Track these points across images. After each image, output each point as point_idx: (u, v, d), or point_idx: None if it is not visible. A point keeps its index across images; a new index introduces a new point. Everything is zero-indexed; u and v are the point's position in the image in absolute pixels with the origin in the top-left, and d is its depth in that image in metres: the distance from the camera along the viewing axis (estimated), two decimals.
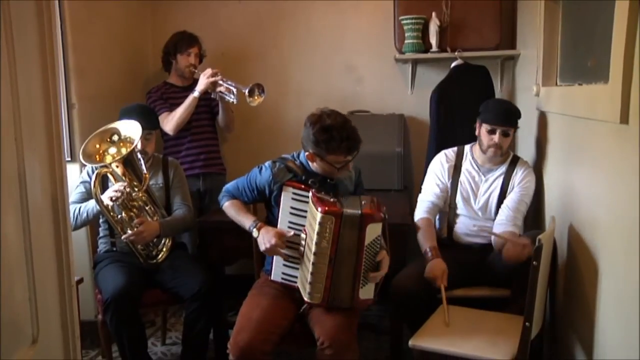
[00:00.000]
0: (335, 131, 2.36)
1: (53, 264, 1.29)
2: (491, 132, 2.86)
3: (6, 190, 1.09)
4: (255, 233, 2.47)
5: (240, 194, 2.64)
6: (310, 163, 2.50)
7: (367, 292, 2.41)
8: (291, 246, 2.44)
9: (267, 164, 2.59)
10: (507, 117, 2.86)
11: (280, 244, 2.40)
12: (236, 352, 2.25)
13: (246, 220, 2.54)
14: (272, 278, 2.49)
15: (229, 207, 2.64)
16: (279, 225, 2.46)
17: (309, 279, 2.33)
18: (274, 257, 2.48)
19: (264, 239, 2.42)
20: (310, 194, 2.38)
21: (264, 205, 2.69)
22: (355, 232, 2.29)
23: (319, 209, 2.27)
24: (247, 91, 3.30)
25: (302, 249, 2.40)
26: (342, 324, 2.33)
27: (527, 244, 2.47)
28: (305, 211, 2.41)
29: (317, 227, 2.27)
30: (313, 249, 2.29)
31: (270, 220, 2.63)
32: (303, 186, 2.44)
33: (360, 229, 2.28)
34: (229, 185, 2.70)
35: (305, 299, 2.37)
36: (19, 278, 1.13)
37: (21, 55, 1.14)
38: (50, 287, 1.27)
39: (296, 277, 2.46)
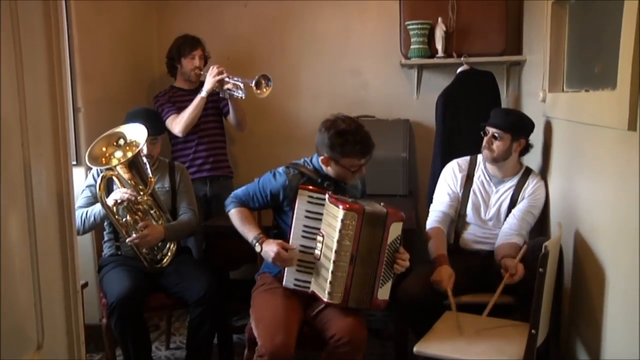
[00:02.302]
0: (350, 135, 2.44)
1: (58, 268, 1.28)
2: (485, 133, 2.87)
3: (12, 195, 1.08)
4: (257, 248, 2.49)
5: (250, 199, 2.63)
6: (324, 167, 2.55)
7: (384, 292, 2.46)
8: (304, 251, 2.46)
9: (280, 169, 2.60)
10: (499, 119, 2.85)
11: (284, 252, 2.42)
12: (274, 354, 2.23)
13: (250, 233, 2.54)
14: (284, 284, 2.49)
15: (235, 215, 2.62)
16: (292, 230, 2.47)
17: (329, 279, 2.36)
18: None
19: (267, 253, 2.45)
20: (327, 196, 2.42)
21: (272, 211, 2.69)
22: (379, 231, 2.36)
23: (340, 206, 2.32)
24: (253, 84, 3.30)
25: (317, 252, 2.42)
26: (358, 321, 2.37)
27: (514, 267, 2.52)
28: (321, 214, 2.44)
29: (339, 225, 2.32)
30: (334, 247, 2.34)
31: (280, 226, 2.63)
32: (318, 189, 2.48)
33: (384, 228, 2.36)
34: (239, 191, 2.68)
35: (325, 299, 2.39)
36: (24, 283, 1.12)
37: (28, 58, 1.14)
38: (55, 292, 1.27)
39: (309, 282, 2.47)
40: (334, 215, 2.36)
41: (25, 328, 1.13)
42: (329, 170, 2.54)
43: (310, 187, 2.48)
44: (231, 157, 3.91)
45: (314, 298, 2.47)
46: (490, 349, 2.31)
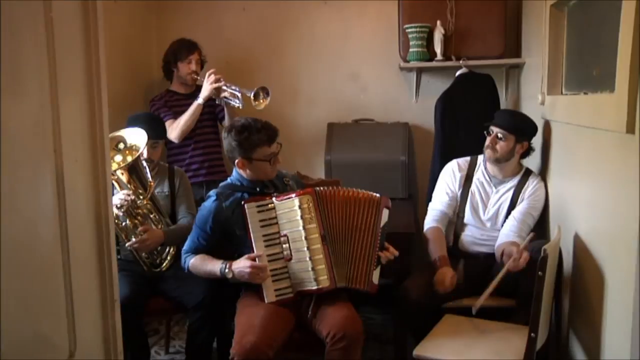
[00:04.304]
0: (250, 127, 2.52)
1: (95, 277, 1.24)
2: (489, 133, 2.88)
3: (42, 203, 1.05)
4: (229, 274, 2.46)
5: (198, 242, 2.60)
6: (243, 173, 2.59)
7: (376, 276, 2.51)
8: (273, 259, 2.47)
9: (209, 194, 2.64)
10: (505, 120, 2.86)
11: (255, 262, 2.42)
12: (242, 355, 2.23)
13: (214, 267, 2.50)
14: (267, 302, 2.46)
15: (194, 265, 2.57)
16: (254, 244, 2.47)
17: (310, 266, 2.42)
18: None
19: (241, 272, 2.42)
20: (274, 199, 2.49)
21: (228, 247, 2.63)
22: (372, 213, 2.49)
23: (293, 195, 2.46)
24: (252, 95, 3.30)
25: (287, 253, 2.46)
26: (350, 315, 2.38)
27: (519, 252, 2.51)
28: (274, 218, 2.48)
29: (298, 213, 2.43)
30: (303, 235, 2.43)
31: (242, 252, 2.53)
32: (262, 197, 2.52)
33: (377, 211, 2.49)
34: (185, 246, 2.65)
35: (314, 288, 2.42)
36: (54, 292, 1.09)
37: (63, 61, 1.09)
38: (91, 301, 1.24)
39: (289, 287, 2.47)
40: (290, 208, 2.44)
41: (54, 336, 1.10)
42: (249, 173, 2.58)
43: (254, 198, 2.51)
44: (227, 162, 3.91)
45: (303, 298, 2.47)
46: (490, 353, 2.31)
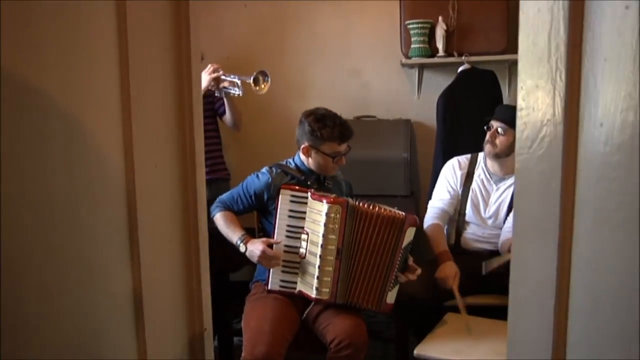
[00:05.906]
0: (328, 119, 2.53)
1: (179, 302, 1.11)
2: (489, 128, 2.86)
3: (106, 213, 0.93)
4: (242, 248, 2.47)
5: (234, 202, 2.63)
6: (305, 160, 2.58)
7: (391, 296, 2.46)
8: (289, 251, 2.46)
9: (263, 169, 2.62)
10: (505, 115, 2.83)
11: (269, 250, 2.40)
12: None
13: (234, 234, 2.52)
14: (269, 287, 2.48)
15: (220, 219, 2.60)
16: (276, 230, 2.47)
17: (316, 274, 2.37)
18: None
19: (252, 252, 2.42)
20: (309, 194, 2.43)
21: (256, 214, 2.70)
22: (393, 234, 2.38)
23: (324, 200, 2.36)
24: (251, 80, 3.26)
25: (302, 250, 2.42)
26: (357, 324, 2.37)
27: None
28: (304, 212, 2.44)
29: (323, 219, 2.34)
30: (320, 242, 2.35)
31: (265, 227, 2.64)
32: (300, 188, 2.48)
33: (400, 232, 2.38)
34: (224, 196, 2.68)
35: (313, 295, 2.39)
36: (115, 320, 1.00)
37: (138, 56, 1.00)
38: (171, 329, 1.11)
39: (295, 282, 2.46)
40: (318, 211, 2.38)
41: None
42: (310, 162, 2.57)
43: (292, 187, 2.49)
44: (229, 160, 3.89)
45: (307, 301, 2.46)
46: (492, 352, 2.29)
